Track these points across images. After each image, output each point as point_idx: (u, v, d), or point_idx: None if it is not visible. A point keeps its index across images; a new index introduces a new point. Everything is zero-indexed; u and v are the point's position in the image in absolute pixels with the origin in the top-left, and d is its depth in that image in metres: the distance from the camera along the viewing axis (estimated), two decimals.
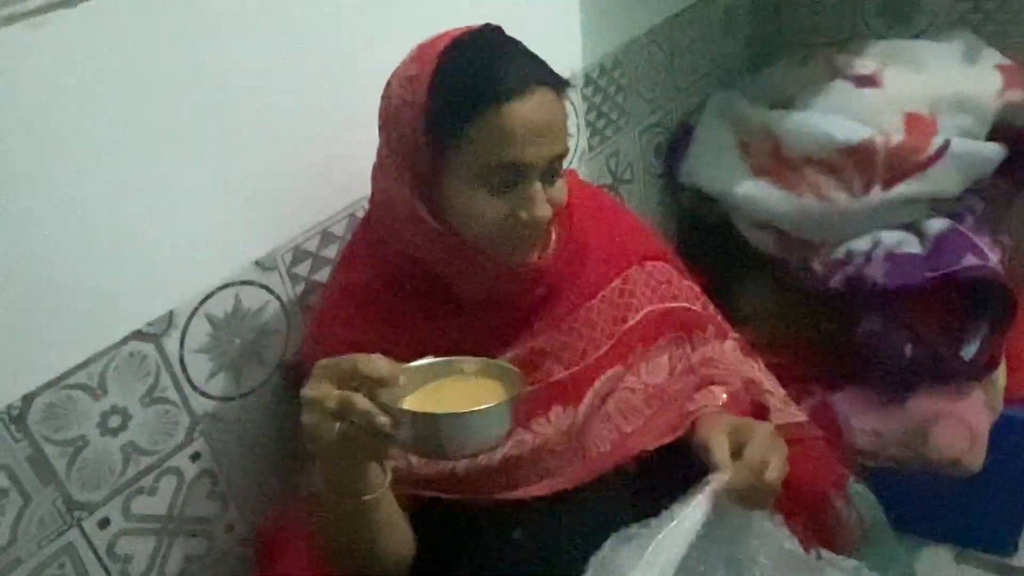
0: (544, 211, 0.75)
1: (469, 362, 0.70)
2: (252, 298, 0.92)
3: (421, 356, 0.70)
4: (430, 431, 0.64)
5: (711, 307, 0.99)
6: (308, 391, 0.66)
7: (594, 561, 0.73)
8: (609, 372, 0.85)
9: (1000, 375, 1.42)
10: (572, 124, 1.30)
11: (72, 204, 0.77)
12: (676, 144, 1.54)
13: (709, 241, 1.55)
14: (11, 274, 0.74)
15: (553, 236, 0.84)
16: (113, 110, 0.78)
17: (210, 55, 0.84)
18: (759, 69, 1.62)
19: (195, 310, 0.87)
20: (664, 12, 1.45)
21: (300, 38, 0.92)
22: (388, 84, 0.79)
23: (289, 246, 0.95)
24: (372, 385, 0.65)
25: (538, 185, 0.75)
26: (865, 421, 1.41)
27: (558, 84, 0.76)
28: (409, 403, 0.66)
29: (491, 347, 0.81)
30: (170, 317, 0.86)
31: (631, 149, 1.46)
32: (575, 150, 1.33)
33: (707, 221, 1.57)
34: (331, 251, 0.99)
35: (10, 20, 0.70)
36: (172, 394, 0.87)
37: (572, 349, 0.85)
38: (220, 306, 0.90)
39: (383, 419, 0.63)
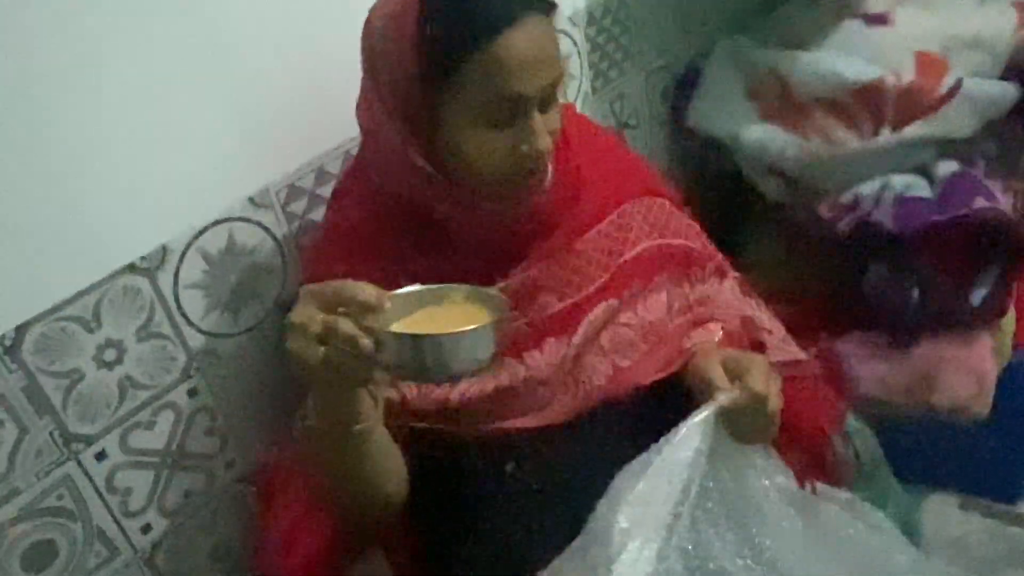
0: (545, 142, 0.74)
1: (456, 289, 0.70)
2: (247, 235, 0.92)
3: None
4: (414, 353, 0.63)
5: (711, 246, 0.97)
6: (293, 315, 0.66)
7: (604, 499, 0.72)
8: (604, 304, 0.84)
9: (1009, 322, 1.39)
10: (575, 64, 1.29)
11: (65, 135, 0.76)
12: (683, 88, 1.50)
13: (716, 188, 1.53)
14: (4, 205, 0.73)
15: (550, 169, 0.82)
16: (108, 42, 0.77)
17: (198, 10, 0.82)
18: (769, 12, 1.58)
19: (188, 245, 0.87)
20: None
21: None
22: (368, 22, 0.77)
23: (283, 183, 0.94)
24: (358, 311, 0.64)
25: (537, 116, 0.74)
26: (871, 368, 1.39)
27: (547, 10, 0.74)
28: (395, 328, 0.66)
29: (485, 280, 0.80)
30: (163, 251, 0.85)
31: (637, 93, 1.43)
32: (577, 91, 1.31)
33: (714, 167, 1.54)
34: (326, 189, 0.98)
35: None
36: (167, 329, 0.87)
37: (567, 281, 0.84)
38: (214, 242, 0.89)
39: (366, 341, 0.63)
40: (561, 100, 0.78)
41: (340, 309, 0.65)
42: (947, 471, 1.48)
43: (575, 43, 1.28)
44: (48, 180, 0.76)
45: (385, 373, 0.68)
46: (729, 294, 0.93)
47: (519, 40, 0.70)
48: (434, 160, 0.76)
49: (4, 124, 0.72)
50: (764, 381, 0.74)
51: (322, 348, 0.64)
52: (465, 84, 0.71)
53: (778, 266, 1.47)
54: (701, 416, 0.72)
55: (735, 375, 0.75)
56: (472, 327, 0.64)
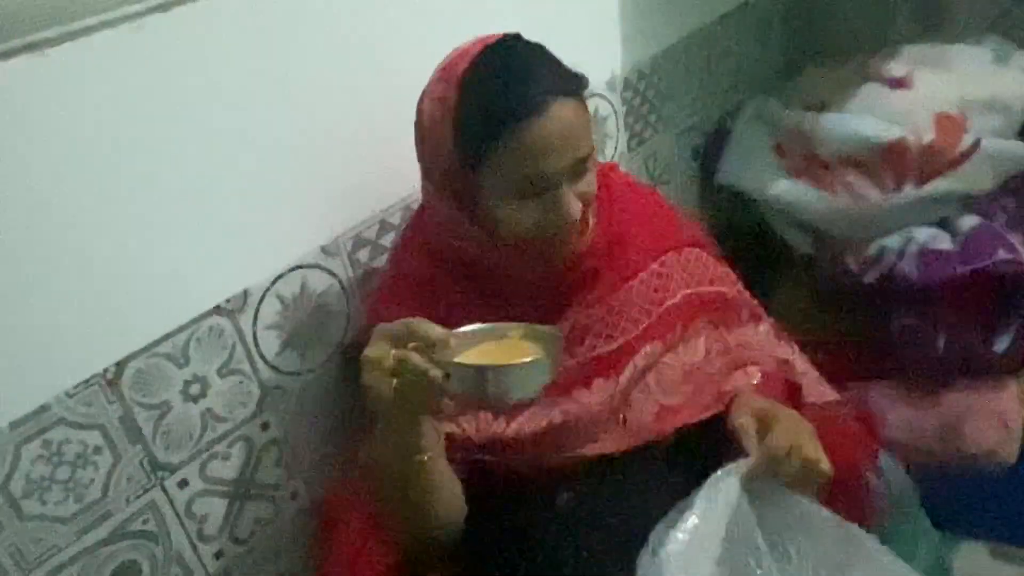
0: (574, 212, 0.80)
1: (513, 327, 0.77)
2: (317, 281, 1.00)
3: None
4: (477, 382, 0.70)
5: (746, 293, 1.04)
6: (368, 351, 0.72)
7: (643, 558, 0.75)
8: (648, 347, 0.90)
9: None
10: (611, 125, 1.37)
11: (161, 189, 0.85)
12: (713, 147, 1.58)
13: (745, 242, 1.59)
14: (108, 251, 0.82)
15: (591, 222, 0.89)
16: (197, 104, 0.86)
17: (279, 58, 0.91)
18: (793, 76, 1.67)
19: (267, 290, 0.95)
20: (701, 20, 1.51)
21: (361, 42, 0.99)
22: (420, 101, 0.85)
23: (351, 234, 1.02)
24: (426, 346, 0.71)
25: (564, 189, 0.80)
26: (900, 415, 1.43)
27: (575, 91, 0.80)
28: (459, 360, 0.73)
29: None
30: (245, 295, 0.93)
31: (668, 151, 1.51)
32: (614, 150, 1.39)
33: (743, 222, 1.61)
34: (388, 239, 1.06)
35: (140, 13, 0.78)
36: (245, 366, 0.94)
37: (612, 326, 0.90)
38: (289, 287, 0.97)
39: (435, 372, 0.69)
40: (593, 168, 0.84)
41: (410, 345, 0.72)
42: (977, 518, 1.50)
43: (612, 105, 1.36)
44: (144, 231, 0.84)
45: (451, 403, 0.74)
46: (764, 338, 0.99)
47: (545, 126, 0.77)
48: (481, 223, 0.83)
49: (107, 176, 0.80)
50: (784, 441, 0.77)
51: (395, 380, 0.71)
52: (497, 165, 0.79)
53: (806, 316, 1.52)
54: (727, 479, 0.76)
55: (765, 429, 0.80)
56: (530, 359, 0.72)
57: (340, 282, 1.02)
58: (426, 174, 0.86)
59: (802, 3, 1.71)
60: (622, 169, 1.36)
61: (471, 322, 0.78)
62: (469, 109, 0.79)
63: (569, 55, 1.24)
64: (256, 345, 0.95)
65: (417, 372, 0.70)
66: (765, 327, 1.00)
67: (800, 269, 1.54)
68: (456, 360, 0.72)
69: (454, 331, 0.74)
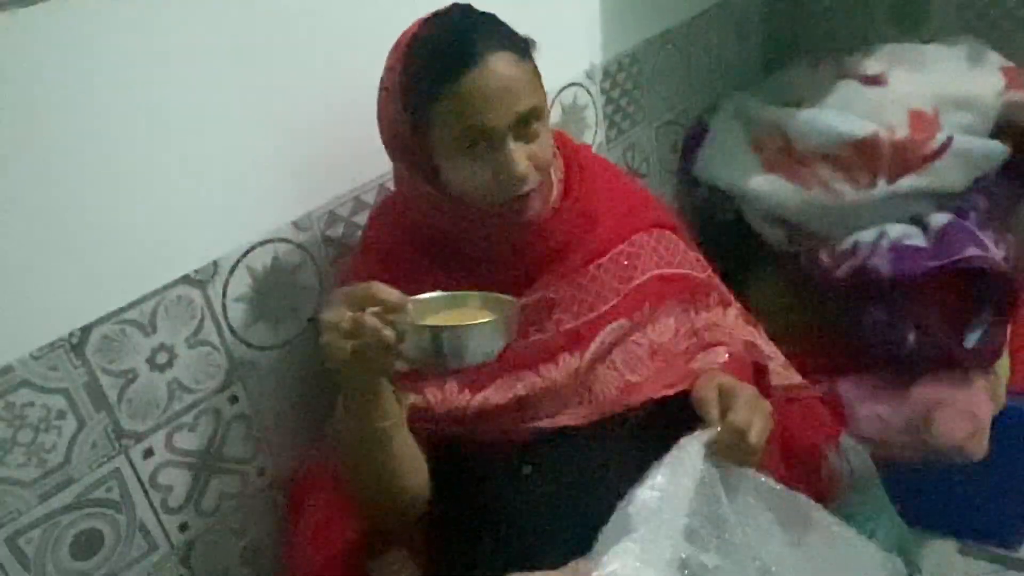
0: (520, 168, 0.81)
1: (471, 296, 0.79)
2: (289, 256, 1.00)
3: None
4: (432, 343, 0.72)
5: (715, 278, 1.04)
6: (326, 314, 0.73)
7: (606, 528, 0.77)
8: (615, 324, 0.91)
9: (1003, 366, 1.45)
10: (590, 115, 1.38)
11: (134, 155, 0.85)
12: (691, 140, 1.60)
13: (722, 234, 1.60)
14: (77, 214, 0.82)
15: (555, 189, 0.89)
16: (175, 74, 0.86)
17: (257, 27, 0.92)
18: (772, 72, 1.68)
19: (238, 261, 0.95)
20: (681, 15, 1.53)
21: (340, 16, 0.99)
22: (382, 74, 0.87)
23: (324, 210, 1.03)
24: (384, 310, 0.72)
25: (510, 145, 0.80)
26: (870, 408, 1.44)
27: (514, 46, 0.81)
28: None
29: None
30: (215, 266, 0.93)
31: (647, 143, 1.52)
32: (593, 140, 1.40)
33: (720, 215, 1.61)
34: (362, 218, 1.06)
35: None
36: (214, 338, 0.94)
37: (580, 302, 0.91)
38: (260, 260, 0.97)
39: (388, 332, 0.70)
40: (545, 131, 0.84)
41: (368, 309, 0.72)
42: (946, 516, 1.52)
43: (591, 95, 1.37)
44: (115, 196, 0.84)
45: (405, 363, 0.74)
46: (732, 321, 1.00)
47: (481, 78, 0.78)
48: (439, 188, 0.84)
49: (79, 144, 0.81)
50: (747, 416, 0.79)
51: (351, 343, 0.72)
52: (440, 122, 0.80)
53: (780, 309, 1.53)
54: (690, 446, 0.77)
55: (726, 405, 0.81)
56: (484, 320, 0.73)
57: (312, 258, 1.02)
58: (386, 144, 0.87)
59: (781, 1, 1.73)
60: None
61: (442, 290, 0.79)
62: (412, 70, 0.81)
63: (549, 42, 1.26)
64: (225, 317, 0.95)
65: (372, 333, 0.70)
66: (733, 311, 1.01)
67: (775, 263, 1.55)
68: (411, 322, 0.73)
69: (413, 298, 0.75)
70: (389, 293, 0.72)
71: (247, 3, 0.90)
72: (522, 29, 1.18)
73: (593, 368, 0.90)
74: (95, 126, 0.81)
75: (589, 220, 0.93)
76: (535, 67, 0.84)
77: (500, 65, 0.79)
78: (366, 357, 0.72)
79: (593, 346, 0.90)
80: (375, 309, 0.72)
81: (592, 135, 1.40)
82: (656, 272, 0.96)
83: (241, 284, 0.96)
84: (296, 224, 1.00)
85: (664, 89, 1.53)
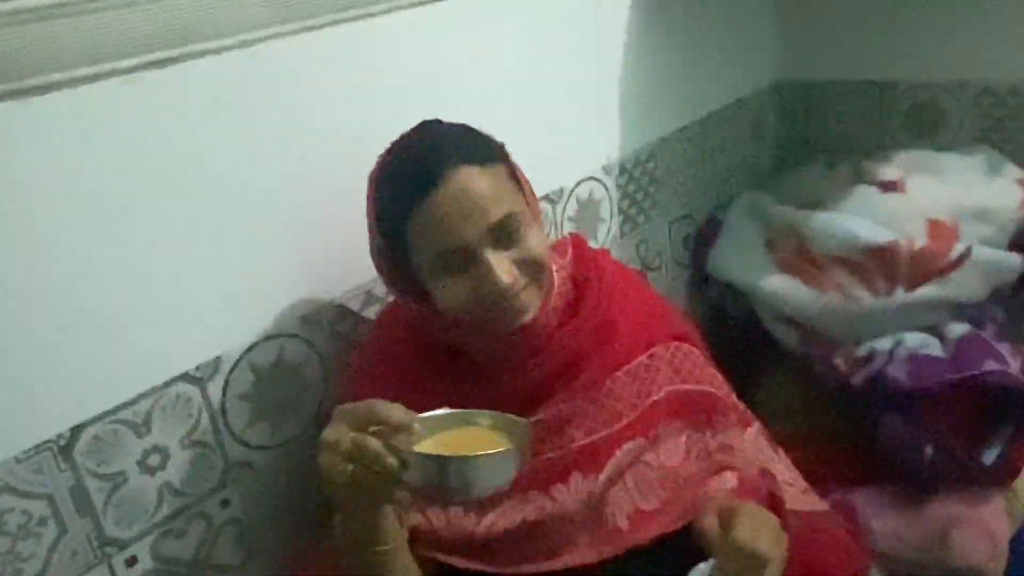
0: (503, 278, 0.77)
1: (482, 415, 0.74)
2: (295, 351, 0.96)
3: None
4: (438, 473, 0.67)
5: (733, 395, 1.00)
6: (325, 433, 0.69)
7: None
8: (631, 443, 0.87)
9: (1022, 482, 1.40)
10: (605, 209, 1.37)
11: (134, 247, 0.81)
12: (704, 236, 1.58)
13: (733, 333, 1.57)
14: (72, 307, 0.78)
15: (555, 287, 0.86)
16: (178, 163, 0.83)
17: (268, 119, 0.90)
18: (786, 172, 1.68)
19: (241, 357, 0.91)
20: (697, 113, 1.53)
21: (355, 110, 0.98)
22: None
23: (334, 304, 0.99)
24: (387, 430, 0.68)
25: (488, 257, 0.77)
26: (885, 522, 1.39)
27: (477, 156, 0.78)
28: (420, 448, 0.69)
29: (514, 413, 0.83)
30: (217, 362, 0.89)
31: (661, 238, 1.51)
32: (607, 233, 1.38)
33: (732, 313, 1.59)
34: (372, 312, 1.03)
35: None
36: (210, 438, 0.90)
37: (594, 418, 0.87)
38: (265, 356, 0.93)
39: (392, 460, 0.66)
40: (530, 230, 0.80)
41: (371, 428, 0.68)
42: None
43: (607, 190, 1.36)
44: (113, 290, 0.80)
45: (409, 493, 0.70)
46: (750, 444, 0.95)
47: (444, 199, 0.75)
48: (432, 307, 0.81)
49: (72, 230, 0.77)
50: (750, 530, 0.73)
51: (351, 465, 0.68)
52: (415, 247, 0.78)
53: (793, 412, 1.49)
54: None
55: (726, 526, 0.75)
56: (494, 451, 0.68)
57: (319, 354, 0.98)
58: (376, 270, 0.86)
59: (796, 102, 1.74)
60: (614, 254, 1.37)
61: (443, 405, 0.75)
62: (382, 199, 0.80)
63: (568, 137, 1.28)
64: (224, 416, 0.90)
65: (373, 459, 0.66)
66: (752, 432, 0.96)
67: (788, 365, 1.52)
68: (417, 448, 0.69)
69: (419, 416, 0.71)
70: (394, 413, 0.68)
71: (256, 94, 0.88)
72: (541, 125, 1.22)
73: (607, 491, 0.85)
74: (90, 216, 0.78)
75: (607, 330, 0.90)
76: (509, 170, 0.81)
77: (462, 181, 0.76)
78: (366, 483, 0.68)
79: (608, 468, 0.85)
80: (378, 428, 0.68)
81: (606, 228, 1.38)
82: (672, 388, 0.92)
83: (243, 381, 0.92)
84: (304, 319, 0.96)
85: (679, 185, 1.52)
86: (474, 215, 0.76)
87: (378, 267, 0.85)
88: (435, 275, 0.79)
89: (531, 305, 0.81)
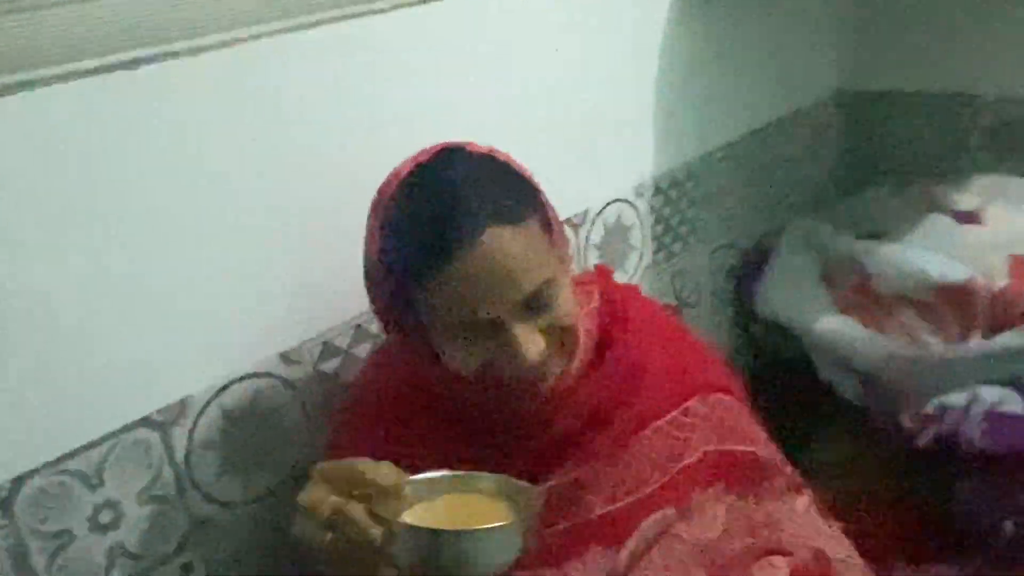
0: (531, 355, 0.76)
1: (484, 479, 0.72)
2: (274, 394, 0.95)
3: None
4: (429, 549, 0.65)
5: (780, 455, 0.98)
6: (302, 496, 0.68)
7: None
8: (659, 514, 0.85)
9: None
10: (636, 236, 1.35)
11: (87, 271, 0.80)
12: (750, 268, 1.56)
13: (783, 382, 1.54)
14: (14, 341, 0.77)
15: (581, 346, 0.84)
16: (149, 185, 0.83)
17: (255, 136, 0.90)
18: (847, 196, 1.66)
19: (210, 400, 0.90)
20: (745, 126, 1.51)
21: (354, 130, 0.97)
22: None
23: (318, 340, 0.98)
24: (374, 494, 0.66)
25: (517, 330, 0.76)
26: None
27: (511, 214, 0.76)
28: (411, 517, 0.67)
29: (526, 476, 0.81)
30: (182, 405, 0.88)
31: (699, 269, 1.49)
32: (638, 262, 1.36)
33: (781, 358, 1.57)
34: (363, 349, 1.02)
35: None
36: (172, 492, 0.89)
37: (617, 483, 0.85)
38: (237, 399, 0.92)
39: (376, 531, 0.64)
40: (561, 292, 0.79)
41: (355, 492, 0.67)
42: None
43: (638, 214, 1.35)
44: (66, 318, 0.79)
45: (396, 569, 0.68)
46: (802, 518, 0.92)
47: (472, 267, 0.73)
48: (437, 360, 0.80)
49: (19, 258, 0.76)
50: None
51: (330, 534, 0.66)
52: (428, 308, 0.76)
53: (850, 476, 1.46)
54: None
55: None
56: (497, 524, 0.66)
57: (300, 397, 0.97)
58: (373, 310, 0.84)
59: (861, 115, 1.72)
60: (645, 287, 1.35)
61: (443, 465, 0.74)
62: (392, 245, 0.78)
63: (596, 154, 1.27)
64: (188, 467, 0.89)
65: (355, 529, 0.65)
66: (804, 502, 0.94)
67: (846, 420, 1.49)
68: (407, 518, 0.67)
69: (412, 478, 0.69)
70: (381, 474, 0.67)
71: (238, 106, 0.88)
72: (564, 138, 1.21)
73: (630, 569, 0.83)
74: (44, 241, 0.77)
75: (634, 380, 0.88)
76: (542, 220, 0.79)
77: (493, 247, 0.74)
78: (347, 556, 0.66)
79: (633, 542, 0.83)
80: (363, 492, 0.67)
81: (637, 258, 1.36)
82: (710, 448, 0.89)
83: (211, 427, 0.90)
84: (285, 356, 0.95)
85: (722, 209, 1.50)
86: (505, 288, 0.75)
87: (378, 310, 0.83)
88: (449, 338, 0.78)
89: (554, 371, 0.81)
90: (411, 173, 0.79)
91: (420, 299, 0.77)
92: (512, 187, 0.79)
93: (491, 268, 0.74)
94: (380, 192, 0.81)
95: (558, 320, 0.79)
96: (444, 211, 0.75)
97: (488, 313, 0.75)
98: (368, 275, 0.82)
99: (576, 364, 0.84)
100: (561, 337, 0.80)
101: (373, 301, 0.84)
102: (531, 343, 0.76)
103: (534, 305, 0.77)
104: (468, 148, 0.80)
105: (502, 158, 0.81)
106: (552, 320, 0.79)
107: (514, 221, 0.76)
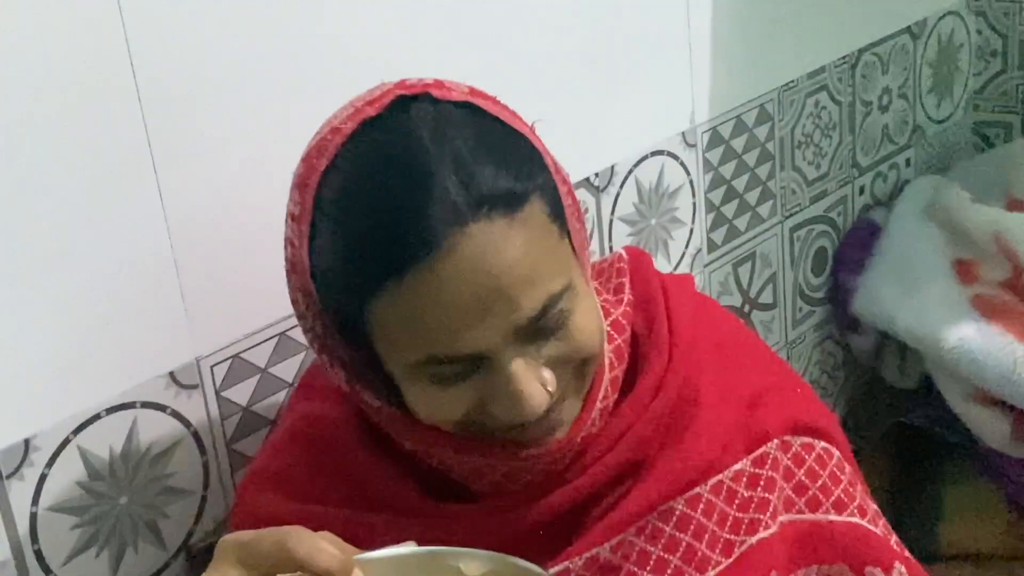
0: (535, 402, 0.77)
1: (471, 557, 0.73)
2: (157, 431, 0.97)
3: None
4: None
5: (893, 534, 0.99)
6: None
7: None
8: None
9: None
10: (684, 203, 1.37)
11: None
12: (851, 252, 1.59)
13: (895, 416, 1.57)
14: None
15: (607, 377, 0.86)
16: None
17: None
18: (991, 145, 1.68)
19: (65, 442, 0.91)
20: (844, 46, 1.54)
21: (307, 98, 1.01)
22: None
23: (222, 355, 1.00)
24: None
25: (515, 367, 0.76)
26: None
27: (508, 199, 0.75)
28: None
29: (525, 555, 0.83)
30: (26, 448, 0.89)
31: (774, 254, 1.52)
32: (686, 245, 1.39)
33: (893, 383, 1.59)
34: (289, 367, 1.04)
35: None
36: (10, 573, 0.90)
37: (658, 566, 0.86)
38: (105, 439, 0.94)
39: None
40: (575, 305, 0.79)
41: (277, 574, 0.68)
42: None
43: (688, 173, 1.37)
44: None
45: None
46: None
47: (445, 279, 0.73)
48: (395, 402, 0.82)
49: None
50: None
51: None
52: (382, 333, 0.77)
53: (990, 530, 1.49)
54: None
55: None
56: None
57: (196, 435, 1.00)
58: (301, 320, 0.84)
59: (1006, 30, 1.74)
60: (697, 280, 1.37)
61: (409, 536, 0.75)
62: (325, 246, 0.77)
63: (628, 91, 1.28)
64: (34, 538, 0.91)
65: None
66: None
67: (988, 474, 1.52)
68: None
69: (364, 555, 0.70)
70: (318, 551, 0.68)
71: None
72: (586, 67, 1.22)
73: None
74: None
75: (682, 416, 0.90)
76: (545, 207, 0.77)
77: (478, 249, 0.73)
78: None
79: None
80: None
81: (686, 237, 1.39)
82: (791, 519, 0.92)
83: (66, 481, 0.92)
84: (174, 377, 0.97)
85: (807, 165, 1.53)
86: (495, 311, 0.74)
87: (305, 327, 0.83)
88: (415, 380, 0.79)
89: (568, 418, 0.83)
90: (352, 135, 0.78)
91: (370, 323, 0.77)
92: (504, 153, 0.77)
93: (473, 282, 0.73)
94: (307, 161, 0.80)
95: (576, 346, 0.79)
96: (397, 198, 0.74)
97: (468, 348, 0.75)
98: (292, 285, 0.83)
99: (600, 404, 0.86)
100: (579, 370, 0.81)
101: (300, 319, 0.84)
102: (535, 384, 0.77)
103: (538, 329, 0.78)
104: (434, 92, 0.79)
105: (487, 107, 0.80)
106: (566, 347, 0.79)
107: (508, 208, 0.75)
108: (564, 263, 0.78)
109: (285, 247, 0.82)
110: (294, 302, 0.83)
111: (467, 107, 0.78)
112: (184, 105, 0.96)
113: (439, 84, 0.79)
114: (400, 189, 0.73)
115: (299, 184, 0.79)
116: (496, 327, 0.75)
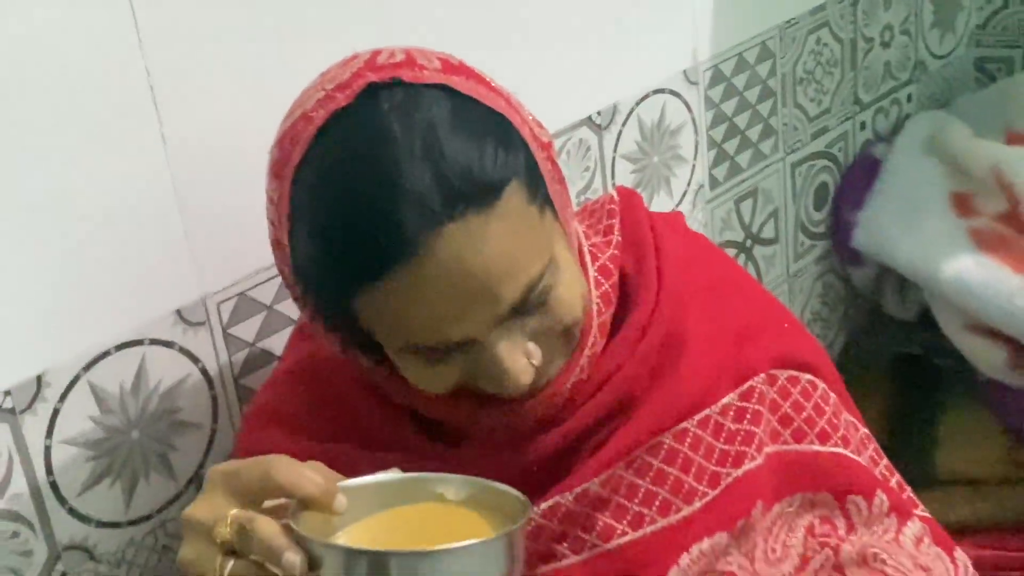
0: (521, 378, 0.78)
1: (450, 482, 0.74)
2: (165, 367, 0.98)
3: None
4: None
5: (884, 461, 1.00)
6: (192, 508, 0.69)
7: None
8: (708, 541, 0.87)
9: None
10: (687, 142, 1.36)
11: None
12: (851, 188, 1.58)
13: (896, 344, 1.57)
14: None
15: (584, 355, 0.86)
16: None
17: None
18: (992, 80, 1.66)
19: (77, 377, 0.92)
20: None
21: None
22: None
23: (228, 292, 1.01)
24: (292, 506, 0.68)
25: (500, 348, 0.77)
26: None
27: (486, 194, 0.73)
28: (346, 537, 0.69)
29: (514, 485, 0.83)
30: (38, 385, 0.90)
31: (776, 189, 1.51)
32: (687, 183, 1.38)
33: (893, 314, 1.59)
34: (294, 305, 1.03)
35: None
36: (26, 507, 0.91)
37: (646, 499, 0.87)
38: (115, 375, 0.94)
39: (293, 556, 0.65)
40: (556, 279, 0.79)
41: (266, 503, 0.69)
42: None
43: (690, 111, 1.36)
44: None
45: None
46: (910, 550, 0.94)
47: (422, 276, 0.72)
48: (388, 366, 0.83)
49: None
50: None
51: (231, 561, 0.68)
52: (372, 320, 0.77)
53: (987, 473, 1.49)
54: None
55: None
56: (468, 543, 0.66)
57: (204, 372, 1.00)
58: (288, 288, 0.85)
59: None
60: (696, 222, 1.37)
61: (396, 469, 0.75)
62: (302, 247, 0.77)
63: (626, 26, 1.26)
64: (49, 471, 0.92)
65: (265, 551, 0.66)
66: (915, 530, 0.95)
67: (984, 404, 1.53)
68: (340, 538, 0.69)
69: (346, 483, 0.71)
70: (304, 478, 0.68)
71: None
72: (592, 11, 1.20)
73: None
74: None
75: (670, 352, 0.89)
76: (523, 186, 0.76)
77: (459, 247, 0.72)
78: None
79: None
80: (277, 503, 0.68)
81: (687, 174, 1.38)
82: (776, 449, 0.92)
83: (80, 416, 0.93)
84: (182, 314, 0.98)
85: (809, 101, 1.52)
86: (476, 305, 0.75)
87: (299, 307, 0.85)
88: (404, 358, 0.80)
89: (552, 372, 0.83)
90: (323, 128, 0.76)
91: (355, 315, 0.77)
92: (479, 140, 0.75)
93: (451, 282, 0.73)
94: (281, 147, 0.79)
95: (558, 318, 0.80)
96: (371, 201, 0.72)
97: (455, 336, 0.76)
98: (277, 259, 0.83)
99: (589, 351, 0.86)
100: (564, 334, 0.82)
101: (289, 288, 0.84)
102: (521, 361, 0.78)
103: (521, 310, 0.78)
104: (405, 76, 0.76)
105: (460, 85, 0.77)
106: (550, 320, 0.80)
107: (483, 204, 0.73)
108: (544, 241, 0.78)
109: (268, 223, 0.82)
110: (280, 273, 0.84)
111: (440, 89, 0.76)
112: (185, 42, 0.95)
113: (411, 62, 0.77)
114: (373, 191, 0.73)
115: (275, 173, 0.79)
116: (477, 319, 0.76)
